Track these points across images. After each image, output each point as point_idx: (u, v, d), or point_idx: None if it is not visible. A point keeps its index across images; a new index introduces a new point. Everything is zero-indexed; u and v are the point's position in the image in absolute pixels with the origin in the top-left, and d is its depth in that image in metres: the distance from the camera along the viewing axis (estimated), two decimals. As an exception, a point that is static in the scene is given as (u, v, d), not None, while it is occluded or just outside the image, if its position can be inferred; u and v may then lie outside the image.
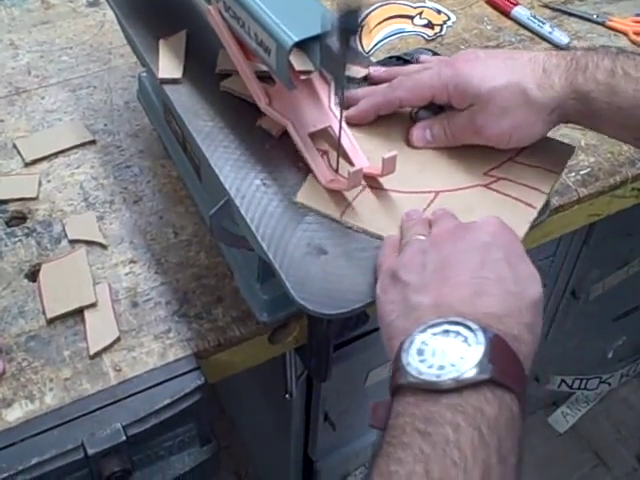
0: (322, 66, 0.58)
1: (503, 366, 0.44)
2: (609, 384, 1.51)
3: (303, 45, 0.58)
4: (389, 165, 0.61)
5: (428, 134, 0.67)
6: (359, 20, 0.54)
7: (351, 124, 0.68)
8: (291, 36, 0.57)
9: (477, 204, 0.62)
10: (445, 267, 0.51)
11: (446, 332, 0.46)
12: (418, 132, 0.68)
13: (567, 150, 0.68)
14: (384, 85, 0.69)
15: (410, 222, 0.59)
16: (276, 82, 0.66)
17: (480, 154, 0.66)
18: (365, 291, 0.57)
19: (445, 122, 0.67)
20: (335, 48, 0.55)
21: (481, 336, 0.44)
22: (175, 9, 0.79)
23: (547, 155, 0.66)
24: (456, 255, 0.51)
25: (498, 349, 0.45)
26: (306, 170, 0.64)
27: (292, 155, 0.65)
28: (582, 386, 1.48)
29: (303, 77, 0.60)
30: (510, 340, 0.46)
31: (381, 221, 0.61)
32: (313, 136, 0.65)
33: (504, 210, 0.61)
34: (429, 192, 0.63)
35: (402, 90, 0.67)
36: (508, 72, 0.63)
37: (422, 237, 0.56)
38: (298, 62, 0.58)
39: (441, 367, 0.44)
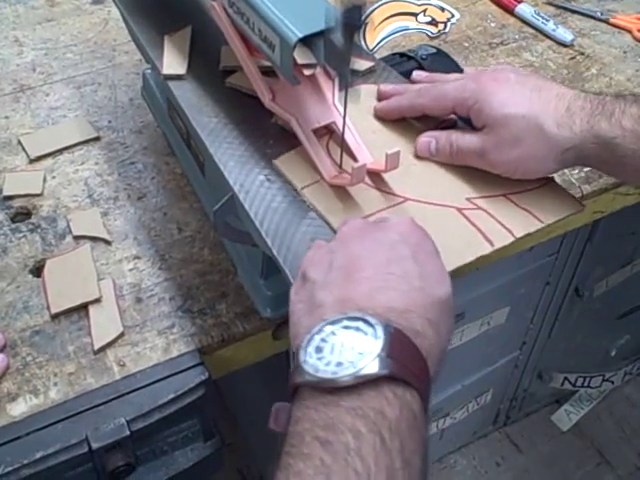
0: (326, 62, 0.58)
1: (403, 361, 0.43)
2: (612, 382, 1.51)
3: (307, 41, 0.57)
4: (393, 161, 0.61)
5: (433, 146, 0.66)
6: (363, 16, 0.54)
7: (378, 116, 0.69)
8: (295, 32, 0.57)
9: (435, 221, 0.59)
10: (350, 264, 0.50)
11: (346, 328, 0.44)
12: (423, 141, 0.66)
13: (572, 206, 0.64)
14: (416, 87, 0.69)
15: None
16: (280, 78, 0.66)
17: (475, 179, 0.64)
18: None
19: (453, 138, 0.65)
20: (339, 44, 0.55)
21: (380, 330, 0.43)
22: (179, 6, 0.79)
23: (546, 204, 0.63)
24: (362, 252, 0.51)
25: (398, 344, 0.43)
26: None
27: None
28: (585, 384, 1.48)
29: (307, 73, 0.60)
30: (412, 335, 0.45)
31: (335, 206, 0.61)
32: (317, 132, 0.65)
33: (459, 237, 0.60)
34: (399, 196, 0.62)
35: (426, 98, 0.67)
36: (531, 103, 0.61)
37: None
38: (302, 58, 0.59)
39: (339, 364, 0.42)
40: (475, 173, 0.65)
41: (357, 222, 0.55)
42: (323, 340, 0.44)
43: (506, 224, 0.61)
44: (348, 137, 0.63)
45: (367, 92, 0.71)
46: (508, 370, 1.36)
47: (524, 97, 0.62)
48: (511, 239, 0.60)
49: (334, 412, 0.41)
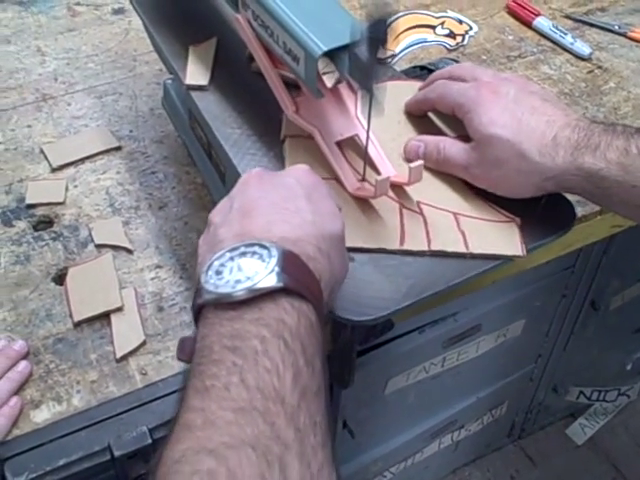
0: (350, 75, 0.59)
1: (297, 276, 0.46)
2: (628, 396, 1.51)
3: (332, 54, 0.58)
4: (415, 174, 0.61)
5: (421, 150, 0.67)
6: (388, 29, 0.54)
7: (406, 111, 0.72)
8: (320, 45, 0.57)
9: (372, 207, 0.63)
10: (248, 204, 0.53)
11: (243, 254, 0.47)
12: (413, 144, 0.68)
13: (510, 249, 0.63)
14: (438, 79, 0.71)
15: None
16: (304, 90, 0.66)
17: (441, 190, 0.66)
18: (391, 298, 0.58)
19: (441, 146, 0.67)
20: (364, 57, 0.55)
21: (274, 250, 0.46)
22: (202, 17, 0.80)
23: (487, 237, 0.63)
24: (259, 194, 0.53)
25: (291, 262, 0.47)
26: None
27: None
28: (601, 398, 1.47)
29: (330, 85, 0.61)
30: (304, 258, 0.48)
31: (301, 161, 0.62)
32: (340, 144, 0.65)
33: (381, 226, 0.62)
34: (359, 174, 0.64)
35: (435, 94, 0.69)
36: (519, 126, 0.62)
37: None
38: (326, 71, 0.59)
39: (237, 281, 0.45)
40: (446, 184, 0.66)
41: (257, 170, 0.57)
42: (222, 265, 0.47)
43: (431, 235, 0.62)
44: (371, 150, 0.64)
45: (410, 88, 0.73)
46: (523, 383, 1.36)
47: (514, 119, 0.62)
48: (424, 248, 0.62)
49: (239, 324, 0.44)
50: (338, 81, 0.59)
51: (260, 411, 0.40)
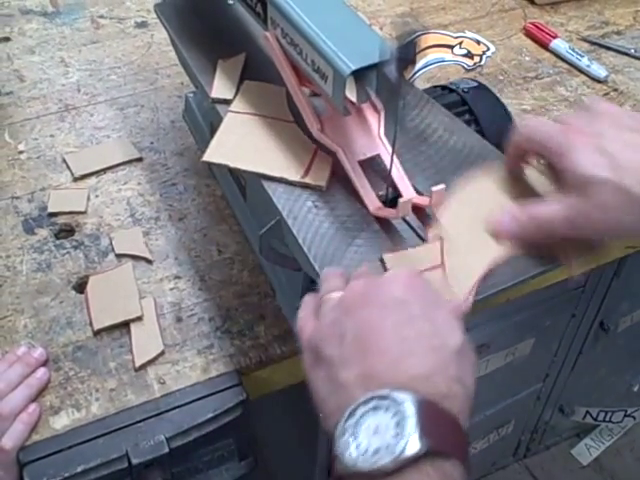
0: (377, 94, 0.60)
1: (437, 433, 0.43)
2: (634, 418, 1.50)
3: (360, 73, 0.59)
4: (438, 197, 0.62)
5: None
6: (416, 51, 0.55)
7: None
8: (349, 64, 0.58)
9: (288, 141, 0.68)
10: (363, 334, 0.48)
11: (375, 409, 0.44)
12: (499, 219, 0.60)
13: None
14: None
15: (325, 277, 0.56)
16: (329, 108, 0.67)
17: None
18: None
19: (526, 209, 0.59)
20: (392, 77, 0.56)
21: (411, 407, 0.43)
22: (228, 33, 0.81)
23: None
24: (372, 319, 0.49)
25: (431, 417, 0.43)
26: (355, 193, 0.65)
27: (342, 179, 0.66)
28: (607, 419, 1.47)
29: (356, 104, 0.62)
30: (440, 399, 0.44)
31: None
32: (362, 163, 0.66)
33: (286, 159, 0.66)
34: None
35: (523, 133, 0.60)
36: (616, 164, 0.55)
37: (336, 294, 0.53)
38: (354, 90, 0.60)
39: (376, 451, 0.42)
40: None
41: (357, 286, 0.52)
42: (355, 426, 0.44)
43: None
44: (393, 170, 0.64)
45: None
46: (530, 402, 1.36)
47: (608, 156, 0.55)
48: (322, 184, 0.65)
49: None
50: (363, 100, 0.60)
51: None
